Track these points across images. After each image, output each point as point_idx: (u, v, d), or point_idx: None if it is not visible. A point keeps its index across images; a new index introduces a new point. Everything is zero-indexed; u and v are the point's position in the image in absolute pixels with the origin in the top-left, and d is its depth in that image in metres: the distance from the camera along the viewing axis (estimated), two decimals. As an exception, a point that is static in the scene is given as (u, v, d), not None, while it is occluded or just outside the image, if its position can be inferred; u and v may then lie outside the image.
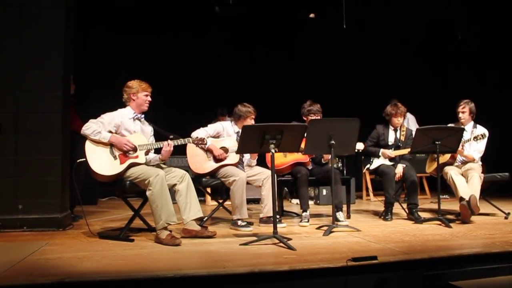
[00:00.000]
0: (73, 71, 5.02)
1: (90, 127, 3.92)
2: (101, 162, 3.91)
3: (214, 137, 4.84)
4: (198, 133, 4.72)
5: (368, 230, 4.38)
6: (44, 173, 4.39)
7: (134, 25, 8.24)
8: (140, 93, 4.18)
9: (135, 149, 4.02)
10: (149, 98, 4.23)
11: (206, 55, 8.68)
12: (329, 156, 4.53)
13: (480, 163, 5.31)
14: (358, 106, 7.93)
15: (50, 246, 3.70)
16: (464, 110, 5.26)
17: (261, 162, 5.05)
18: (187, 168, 4.78)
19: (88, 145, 3.93)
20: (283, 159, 5.00)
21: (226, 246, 3.69)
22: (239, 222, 4.49)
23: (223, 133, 4.89)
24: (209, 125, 4.94)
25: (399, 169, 5.13)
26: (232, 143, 4.77)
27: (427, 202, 7.02)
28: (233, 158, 4.73)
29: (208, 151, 4.72)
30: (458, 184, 4.92)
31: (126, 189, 4.07)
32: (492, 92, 8.28)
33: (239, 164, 4.82)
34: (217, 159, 4.70)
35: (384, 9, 8.53)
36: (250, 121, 4.88)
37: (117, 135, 4.02)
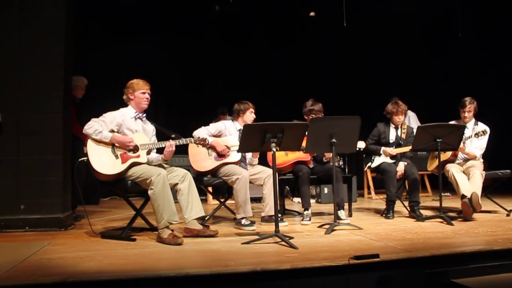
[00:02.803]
0: (73, 70, 5.02)
1: (92, 126, 3.92)
2: (103, 161, 3.92)
3: (216, 136, 4.84)
4: (200, 132, 4.72)
5: (369, 228, 4.38)
6: (46, 173, 4.39)
7: (135, 24, 8.23)
8: (136, 91, 4.18)
9: (136, 149, 4.02)
10: (146, 96, 4.22)
11: (207, 54, 8.68)
12: (330, 155, 4.53)
13: (482, 160, 5.31)
14: (359, 104, 7.92)
15: (52, 246, 3.70)
16: (471, 109, 5.27)
17: (263, 161, 5.05)
18: (189, 167, 4.79)
19: (90, 145, 3.93)
20: (284, 158, 5.00)
21: (228, 245, 3.70)
22: (243, 221, 4.49)
23: (225, 131, 4.89)
24: (211, 124, 4.95)
25: (401, 167, 5.13)
26: (234, 141, 4.77)
27: (428, 199, 7.02)
28: (234, 156, 4.73)
29: (211, 147, 4.72)
30: (459, 182, 4.92)
31: (127, 189, 4.07)
32: (493, 89, 8.27)
33: (242, 162, 4.82)
34: (220, 155, 4.70)
35: (384, 7, 8.52)
36: (251, 114, 4.91)
37: (119, 135, 4.02)
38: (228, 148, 4.72)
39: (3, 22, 4.43)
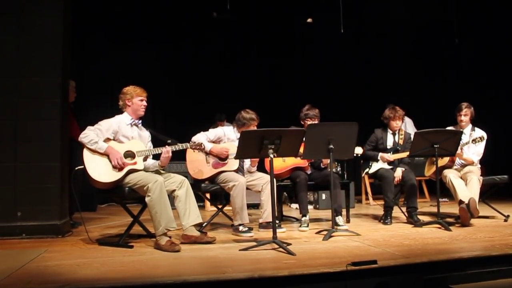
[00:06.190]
0: (71, 78, 5.02)
1: (88, 136, 3.91)
2: (100, 169, 3.91)
3: (214, 142, 4.83)
4: (198, 137, 4.72)
5: (367, 234, 4.38)
6: (43, 180, 4.38)
7: (132, 32, 8.26)
8: (134, 98, 4.19)
9: (133, 156, 4.01)
10: (144, 103, 4.23)
11: (204, 61, 8.71)
12: (328, 161, 4.53)
13: (479, 166, 5.32)
14: (356, 110, 7.95)
15: (49, 253, 3.69)
16: (467, 113, 5.28)
17: (261, 167, 5.04)
18: (186, 174, 4.78)
19: (86, 153, 3.92)
20: (282, 164, 5.00)
21: (225, 251, 3.69)
22: (241, 228, 4.48)
23: (224, 138, 4.88)
24: (210, 130, 4.94)
25: (398, 172, 5.13)
26: (232, 149, 4.75)
27: (426, 205, 7.02)
28: (232, 164, 4.72)
29: (211, 153, 4.70)
30: (457, 187, 4.92)
31: (125, 196, 4.06)
32: (490, 95, 8.30)
33: (239, 170, 4.81)
34: (220, 159, 4.68)
35: (382, 14, 8.56)
36: (253, 128, 4.84)
37: (113, 147, 3.99)
38: (225, 159, 4.70)
39: (0, 29, 4.44)
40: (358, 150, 4.90)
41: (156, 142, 4.39)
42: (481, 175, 5.16)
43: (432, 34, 9.06)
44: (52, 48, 4.50)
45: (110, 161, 3.93)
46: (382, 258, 3.20)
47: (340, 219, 4.80)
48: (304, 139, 4.17)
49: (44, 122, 4.43)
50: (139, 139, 4.20)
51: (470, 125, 5.34)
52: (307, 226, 4.78)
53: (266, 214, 4.63)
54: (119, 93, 4.25)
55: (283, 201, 6.43)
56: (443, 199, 6.87)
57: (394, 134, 5.34)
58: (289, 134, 3.95)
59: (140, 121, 4.26)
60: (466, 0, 7.75)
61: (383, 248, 3.69)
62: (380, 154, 5.27)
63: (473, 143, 5.14)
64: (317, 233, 4.49)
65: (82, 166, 3.93)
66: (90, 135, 3.92)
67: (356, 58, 9.14)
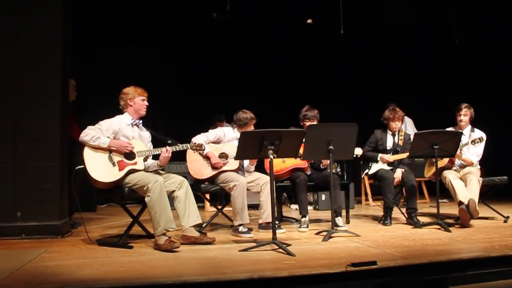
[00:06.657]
0: (71, 78, 5.02)
1: (89, 134, 3.92)
2: (100, 169, 3.91)
3: (214, 142, 4.83)
4: (198, 138, 4.71)
5: (367, 235, 4.38)
6: (43, 180, 4.38)
7: (132, 32, 8.26)
8: (136, 98, 4.19)
9: (133, 155, 4.01)
10: (146, 103, 4.24)
11: (205, 61, 8.71)
12: (328, 161, 4.53)
13: (479, 166, 5.32)
14: (356, 111, 7.95)
15: (48, 253, 3.68)
16: (466, 113, 5.28)
17: (261, 168, 5.04)
18: (186, 174, 4.77)
19: (87, 152, 3.92)
20: (282, 165, 5.00)
21: (225, 252, 3.69)
22: (240, 228, 4.48)
23: (224, 138, 4.88)
24: (209, 131, 4.94)
25: (398, 173, 5.13)
26: (232, 149, 4.75)
27: (426, 206, 7.02)
28: (232, 164, 4.72)
29: (206, 157, 4.71)
30: (457, 188, 4.93)
31: (125, 196, 4.06)
32: (489, 95, 8.31)
33: (239, 170, 4.81)
34: (213, 167, 4.69)
35: (381, 14, 8.56)
36: (252, 127, 4.87)
37: (116, 139, 4.01)
38: (223, 163, 4.70)
39: (0, 29, 4.43)
40: (358, 151, 4.90)
41: (156, 142, 4.39)
42: (480, 176, 5.16)
43: (432, 34, 9.06)
44: (52, 48, 4.50)
45: (112, 159, 3.92)
46: (381, 259, 3.20)
47: (339, 220, 4.80)
48: (304, 140, 4.17)
49: (44, 122, 4.43)
50: (140, 139, 4.19)
51: (470, 126, 5.34)
52: (307, 227, 4.78)
53: (266, 214, 4.62)
54: (119, 93, 4.25)
55: (282, 202, 6.43)
56: (443, 200, 6.87)
57: (393, 135, 5.34)
58: (289, 134, 3.95)
59: (140, 121, 4.26)
60: (466, 0, 7.76)
61: (382, 249, 3.69)
62: (380, 155, 5.27)
63: (472, 144, 5.15)
64: (316, 234, 4.49)
65: (82, 166, 3.93)
66: (91, 132, 3.92)
67: (356, 58, 9.13)
